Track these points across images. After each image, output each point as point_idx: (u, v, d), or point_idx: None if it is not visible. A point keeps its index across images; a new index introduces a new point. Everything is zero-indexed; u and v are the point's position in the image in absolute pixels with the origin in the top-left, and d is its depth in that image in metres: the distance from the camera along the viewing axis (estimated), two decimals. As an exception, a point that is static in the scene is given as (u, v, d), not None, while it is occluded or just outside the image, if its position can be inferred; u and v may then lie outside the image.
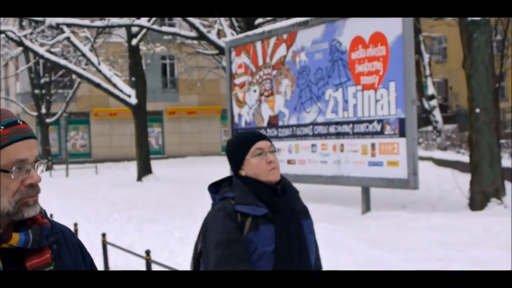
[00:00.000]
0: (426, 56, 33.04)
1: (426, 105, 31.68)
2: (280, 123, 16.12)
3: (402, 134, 12.59)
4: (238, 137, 3.28)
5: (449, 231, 10.80)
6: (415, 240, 10.15)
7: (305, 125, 15.22)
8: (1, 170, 1.88)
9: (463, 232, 10.66)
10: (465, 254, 9.03)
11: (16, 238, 1.91)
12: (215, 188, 3.22)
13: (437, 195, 15.22)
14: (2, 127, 1.91)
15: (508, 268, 8.23)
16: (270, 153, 3.16)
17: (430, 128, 31.84)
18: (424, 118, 33.51)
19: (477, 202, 13.21)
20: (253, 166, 3.14)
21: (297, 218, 3.14)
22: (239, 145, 3.20)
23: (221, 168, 18.03)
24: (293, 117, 15.67)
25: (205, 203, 4.61)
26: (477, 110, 13.39)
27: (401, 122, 12.62)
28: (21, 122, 1.96)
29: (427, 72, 32.64)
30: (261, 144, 3.17)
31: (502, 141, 20.82)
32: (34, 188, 1.95)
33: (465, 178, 14.27)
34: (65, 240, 2.09)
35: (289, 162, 15.52)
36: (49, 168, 33.69)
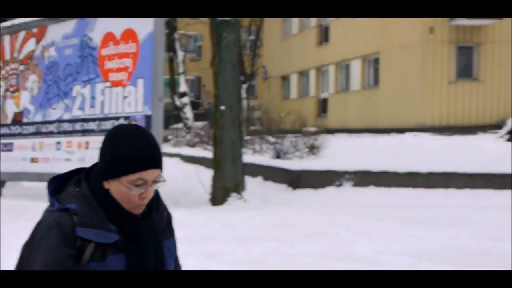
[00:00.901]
0: (180, 54, 33.53)
1: (178, 102, 32.12)
2: (25, 120, 15.51)
3: (147, 131, 12.62)
4: (128, 147, 2.34)
5: (190, 226, 11.00)
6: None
7: (51, 122, 14.78)
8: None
9: (202, 227, 10.92)
10: (202, 248, 9.24)
11: None
12: (56, 185, 2.44)
13: (182, 191, 15.47)
14: None
15: (240, 257, 8.60)
16: (152, 185, 2.38)
17: (181, 125, 32.33)
18: (176, 115, 33.98)
19: (218, 197, 13.61)
20: (122, 193, 2.36)
21: (158, 242, 2.48)
22: (123, 160, 2.33)
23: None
24: (38, 114, 15.15)
25: None
26: (222, 108, 13.76)
27: (148, 119, 12.65)
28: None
29: (181, 70, 33.11)
30: (148, 174, 2.35)
31: (248, 137, 21.69)
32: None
33: (210, 174, 14.63)
34: None
35: (32, 160, 15.00)
36: None
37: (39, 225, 2.38)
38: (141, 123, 12.73)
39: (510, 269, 7.70)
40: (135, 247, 2.37)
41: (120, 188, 2.34)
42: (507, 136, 20.18)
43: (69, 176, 2.45)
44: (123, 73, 13.18)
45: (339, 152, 18.45)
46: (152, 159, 2.36)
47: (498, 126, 23.71)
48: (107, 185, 2.36)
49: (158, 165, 2.37)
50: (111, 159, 2.33)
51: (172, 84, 32.69)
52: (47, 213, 2.38)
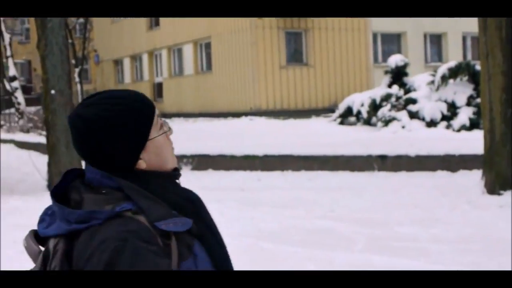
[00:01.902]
0: (7, 37, 32.34)
1: (8, 87, 30.99)
2: None
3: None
4: (129, 100, 1.90)
5: (27, 213, 10.72)
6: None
7: None
8: None
9: (39, 214, 10.64)
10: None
11: None
12: (60, 193, 1.87)
13: (17, 178, 14.99)
14: None
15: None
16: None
17: (13, 110, 31.26)
18: (7, 100, 32.81)
19: (55, 183, 13.28)
20: (160, 148, 1.92)
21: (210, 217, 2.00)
22: (140, 113, 1.89)
23: None
24: None
25: None
26: (53, 92, 13.41)
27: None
28: None
29: (8, 53, 31.95)
30: (156, 110, 1.96)
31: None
32: None
33: (45, 160, 14.25)
34: None
35: None
36: None
37: (102, 251, 1.69)
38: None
39: (349, 245, 8.11)
40: (204, 228, 1.92)
41: (156, 146, 1.91)
42: (339, 120, 21.06)
43: (63, 185, 1.89)
44: None
45: (176, 137, 18.38)
46: (145, 95, 1.97)
47: (330, 110, 24.70)
48: (142, 164, 1.89)
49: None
50: (131, 123, 1.85)
51: (0, 68, 31.41)
52: (95, 231, 1.73)
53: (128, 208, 1.77)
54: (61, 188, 1.87)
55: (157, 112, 1.94)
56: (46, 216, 1.89)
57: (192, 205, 1.91)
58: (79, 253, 1.72)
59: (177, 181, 1.97)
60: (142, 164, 1.88)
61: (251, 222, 9.65)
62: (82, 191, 1.84)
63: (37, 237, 1.87)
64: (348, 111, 20.81)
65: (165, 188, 1.88)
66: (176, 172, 1.98)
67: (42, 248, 1.84)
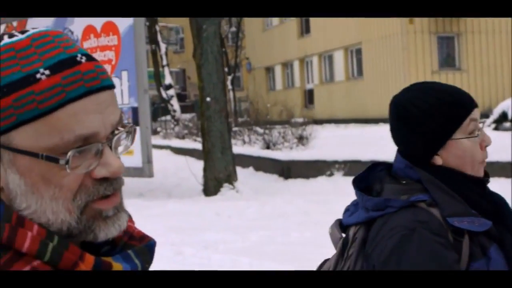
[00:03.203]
0: (163, 46, 33.51)
1: (164, 95, 32.14)
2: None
3: (135, 122, 12.65)
4: (443, 94, 1.89)
5: (183, 216, 11.08)
6: (151, 226, 10.24)
7: None
8: (44, 157, 1.02)
9: (196, 217, 10.99)
10: (198, 238, 9.31)
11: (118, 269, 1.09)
12: (362, 185, 1.96)
13: (174, 182, 15.52)
14: (46, 72, 1.02)
15: (237, 245, 8.69)
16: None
17: (169, 117, 32.37)
18: (163, 108, 33.98)
19: (211, 188, 13.68)
20: (462, 151, 1.86)
21: None
22: (449, 109, 1.87)
23: None
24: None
25: None
26: (208, 99, 13.82)
27: (134, 111, 12.67)
28: (83, 59, 1.06)
29: (164, 62, 33.11)
30: (476, 113, 1.93)
31: (236, 128, 21.75)
32: (110, 183, 1.08)
33: (200, 165, 14.68)
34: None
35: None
36: None
37: (390, 237, 1.73)
38: (128, 115, 12.75)
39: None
40: (505, 232, 1.82)
41: (459, 148, 1.86)
42: (494, 125, 20.36)
43: (366, 175, 1.97)
44: (106, 65, 13.15)
45: (328, 143, 18.53)
46: (469, 96, 1.95)
47: (484, 115, 23.92)
48: (438, 160, 1.87)
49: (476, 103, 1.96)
50: (436, 118, 1.84)
51: (157, 77, 32.67)
52: (388, 218, 1.77)
53: (423, 199, 1.78)
54: (362, 177, 1.95)
55: (474, 116, 1.91)
56: (351, 206, 2.01)
57: (495, 208, 1.85)
58: (371, 238, 1.80)
59: (482, 181, 1.92)
60: (437, 160, 1.87)
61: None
62: (385, 181, 1.88)
63: (340, 225, 1.99)
64: (503, 116, 20.08)
65: (468, 188, 1.84)
66: (485, 178, 1.92)
67: (343, 235, 1.95)
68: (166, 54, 33.73)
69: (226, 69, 32.63)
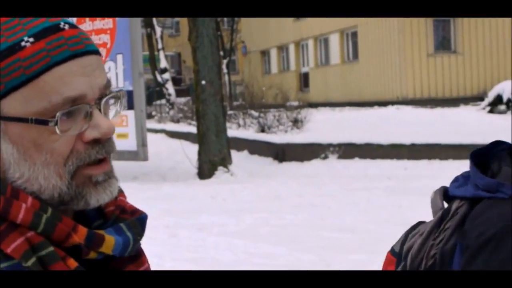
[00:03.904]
0: (158, 30, 33.42)
1: (159, 78, 32.08)
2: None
3: (130, 106, 12.65)
4: None
5: (178, 199, 11.12)
6: (146, 209, 10.11)
7: None
8: (34, 121, 1.04)
9: (191, 200, 11.03)
10: (192, 221, 9.35)
11: (110, 242, 1.10)
12: (478, 160, 1.78)
13: (168, 165, 15.55)
14: (30, 40, 1.05)
15: (232, 228, 8.74)
16: None
17: (164, 101, 32.33)
18: (158, 92, 33.93)
19: (205, 171, 13.71)
20: None
21: None
22: None
23: None
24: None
25: None
26: (203, 82, 13.82)
27: (129, 94, 12.65)
28: (67, 27, 1.08)
29: (160, 46, 33.03)
30: None
31: (231, 112, 21.77)
32: (102, 146, 1.09)
33: (195, 149, 14.72)
34: None
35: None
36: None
37: (489, 225, 1.60)
38: (124, 98, 12.74)
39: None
40: None
41: None
42: (489, 108, 20.42)
43: (485, 151, 1.76)
44: (102, 49, 13.11)
45: (323, 126, 18.58)
46: None
47: (479, 98, 23.94)
48: None
49: None
50: None
51: (152, 61, 32.60)
52: (494, 203, 1.62)
53: None
54: (481, 152, 1.76)
55: None
56: (461, 177, 1.82)
57: None
58: (472, 217, 1.66)
59: None
60: None
61: (398, 210, 9.56)
62: (504, 163, 1.70)
63: (445, 195, 1.86)
64: (498, 99, 20.13)
65: None
66: None
67: (445, 206, 1.79)
68: (162, 37, 33.64)
69: (221, 53, 32.56)
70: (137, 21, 12.72)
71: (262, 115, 19.14)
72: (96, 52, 1.10)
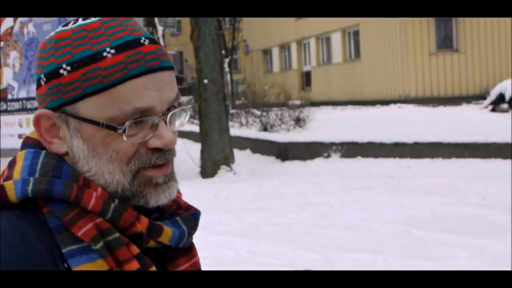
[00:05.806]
0: (160, 29, 33.41)
1: (162, 78, 32.09)
2: (9, 96, 15.45)
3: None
4: None
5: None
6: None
7: (35, 98, 14.74)
8: (105, 126, 1.15)
9: (193, 199, 10.99)
10: (195, 220, 9.35)
11: (168, 233, 1.21)
12: None
13: (171, 165, 15.55)
14: (112, 51, 1.14)
15: (234, 227, 8.75)
16: None
17: (166, 100, 32.33)
18: (160, 91, 33.94)
19: (208, 170, 13.72)
20: None
21: None
22: None
23: None
24: (22, 90, 15.08)
25: None
26: (205, 81, 13.83)
27: (133, 93, 12.69)
28: (147, 42, 1.17)
29: (162, 44, 33.07)
30: None
31: (233, 111, 21.77)
32: (163, 154, 1.19)
33: (198, 148, 14.72)
34: None
35: (20, 136, 14.98)
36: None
37: None
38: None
39: (498, 235, 7.88)
40: None
41: None
42: (491, 107, 20.41)
43: None
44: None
45: (325, 125, 18.58)
46: None
47: (481, 96, 23.94)
48: None
49: None
50: None
51: (154, 59, 32.63)
52: None
53: None
54: None
55: None
56: None
57: None
58: None
59: None
60: None
61: (401, 208, 9.57)
62: None
63: None
64: (500, 98, 20.13)
65: None
66: None
67: None
68: (163, 36, 33.64)
69: (223, 52, 32.55)
70: (139, 20, 12.73)
71: (264, 114, 19.14)
72: (170, 68, 1.20)
